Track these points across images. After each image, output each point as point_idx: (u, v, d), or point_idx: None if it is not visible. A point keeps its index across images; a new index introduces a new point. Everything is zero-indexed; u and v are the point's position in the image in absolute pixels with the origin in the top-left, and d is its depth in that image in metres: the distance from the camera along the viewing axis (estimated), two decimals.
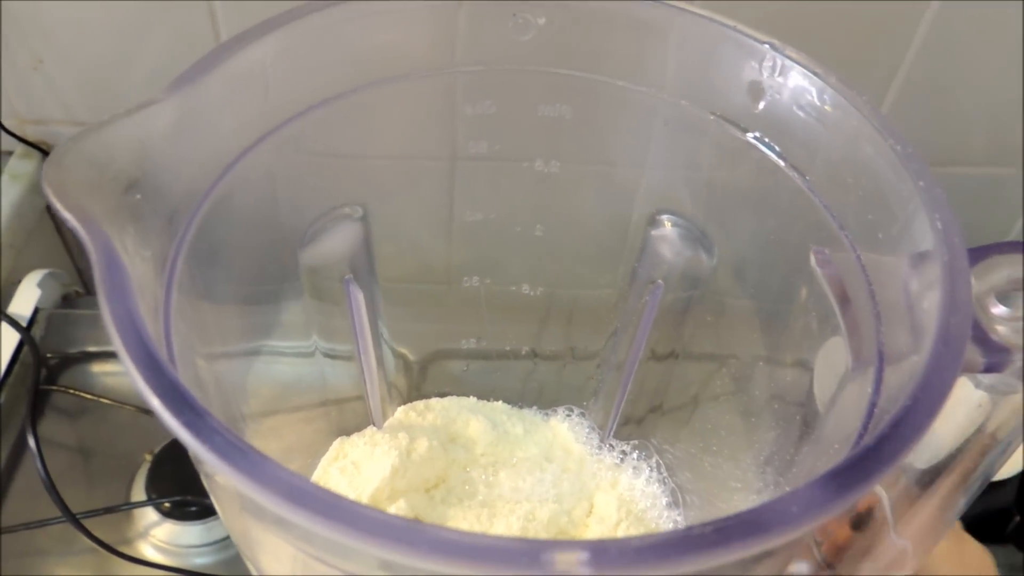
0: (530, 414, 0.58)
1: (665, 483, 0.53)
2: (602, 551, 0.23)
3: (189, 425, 0.23)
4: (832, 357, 0.37)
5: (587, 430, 0.56)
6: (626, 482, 0.53)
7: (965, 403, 0.36)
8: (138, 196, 0.30)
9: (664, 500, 0.53)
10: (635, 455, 0.55)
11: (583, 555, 0.23)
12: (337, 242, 0.44)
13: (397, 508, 0.48)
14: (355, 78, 0.40)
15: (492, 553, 0.22)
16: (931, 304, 0.29)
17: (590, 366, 0.56)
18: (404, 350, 0.56)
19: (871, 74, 0.66)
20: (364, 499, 0.47)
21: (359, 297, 0.47)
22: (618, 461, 0.55)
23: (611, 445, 0.55)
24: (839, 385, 0.35)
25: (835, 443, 0.34)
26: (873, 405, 0.30)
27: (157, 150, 0.31)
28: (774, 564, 0.32)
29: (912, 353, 0.29)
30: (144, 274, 0.29)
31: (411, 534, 0.22)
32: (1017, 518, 0.62)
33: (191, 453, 0.24)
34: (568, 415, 0.57)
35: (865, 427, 0.30)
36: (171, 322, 0.29)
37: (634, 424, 0.55)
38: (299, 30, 0.36)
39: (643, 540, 0.22)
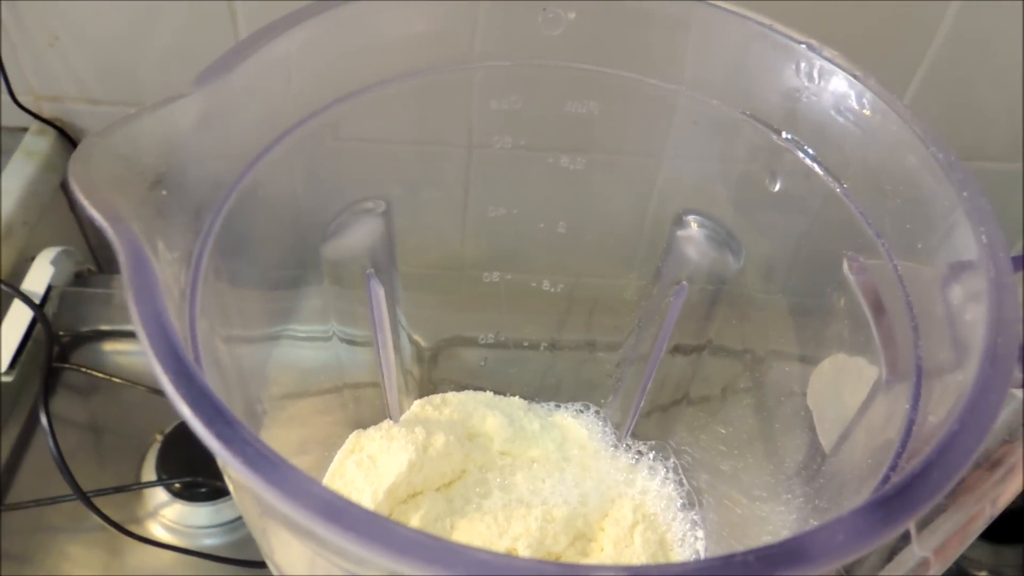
0: (547, 410, 0.57)
1: (681, 484, 0.53)
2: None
3: (220, 436, 0.22)
4: (835, 376, 0.37)
5: (603, 428, 0.56)
6: (641, 483, 0.52)
7: None
8: (164, 192, 0.29)
9: (679, 502, 0.52)
10: (651, 455, 0.54)
11: None
12: (359, 236, 0.44)
13: (419, 517, 0.47)
14: (380, 72, 0.39)
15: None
16: (974, 317, 0.28)
17: (609, 363, 0.55)
18: (420, 338, 0.56)
19: (893, 66, 0.65)
20: (380, 494, 0.47)
21: (379, 292, 0.46)
22: (634, 461, 0.54)
23: (627, 445, 0.55)
24: (868, 396, 0.35)
25: (867, 456, 0.33)
26: (912, 422, 0.29)
27: (183, 145, 0.30)
28: None
29: (954, 369, 0.28)
30: (170, 269, 0.29)
31: (447, 555, 0.21)
32: None
33: (219, 461, 0.24)
34: (583, 411, 0.57)
35: (904, 444, 0.29)
36: (196, 317, 0.29)
37: (652, 424, 0.54)
38: (324, 24, 0.36)
39: (686, 567, 0.22)
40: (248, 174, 0.34)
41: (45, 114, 0.71)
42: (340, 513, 0.22)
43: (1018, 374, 0.32)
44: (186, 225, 0.31)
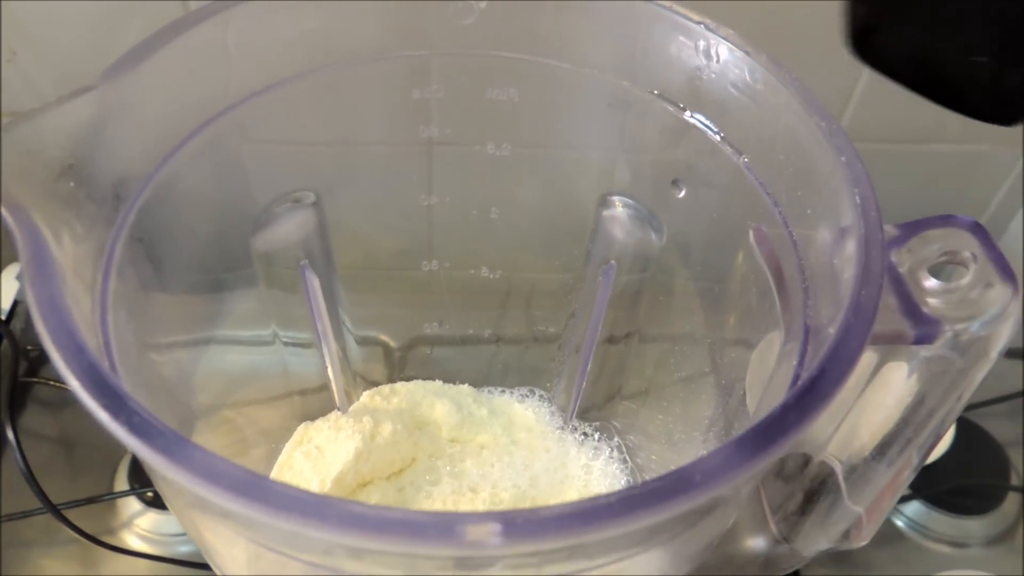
0: (494, 396, 0.58)
1: (625, 462, 0.54)
2: (512, 521, 0.23)
3: (106, 407, 0.24)
4: (766, 353, 0.38)
5: (549, 411, 0.57)
6: (586, 462, 0.54)
7: (900, 383, 0.36)
8: (71, 183, 0.30)
9: (624, 480, 0.53)
10: (596, 436, 0.55)
11: (495, 526, 0.23)
12: (290, 228, 0.45)
13: (365, 497, 0.48)
14: (298, 65, 0.40)
15: (405, 527, 0.23)
16: (850, 276, 0.29)
17: (552, 348, 0.56)
18: (369, 334, 0.57)
19: (844, 52, 0.66)
20: (328, 483, 0.48)
21: (315, 283, 0.47)
22: (579, 442, 0.55)
23: (573, 426, 0.56)
24: (776, 363, 0.36)
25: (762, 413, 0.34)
26: (797, 376, 0.31)
27: (90, 137, 0.31)
28: (706, 527, 0.33)
29: (832, 323, 0.30)
30: (80, 261, 0.30)
31: (322, 508, 0.23)
32: None
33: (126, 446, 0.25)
34: (528, 396, 0.57)
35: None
36: (108, 310, 0.30)
37: (596, 407, 0.55)
38: (239, 17, 0.37)
39: (552, 510, 0.23)
40: (164, 167, 0.35)
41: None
42: (220, 476, 0.23)
43: (908, 330, 0.33)
44: (96, 216, 0.32)
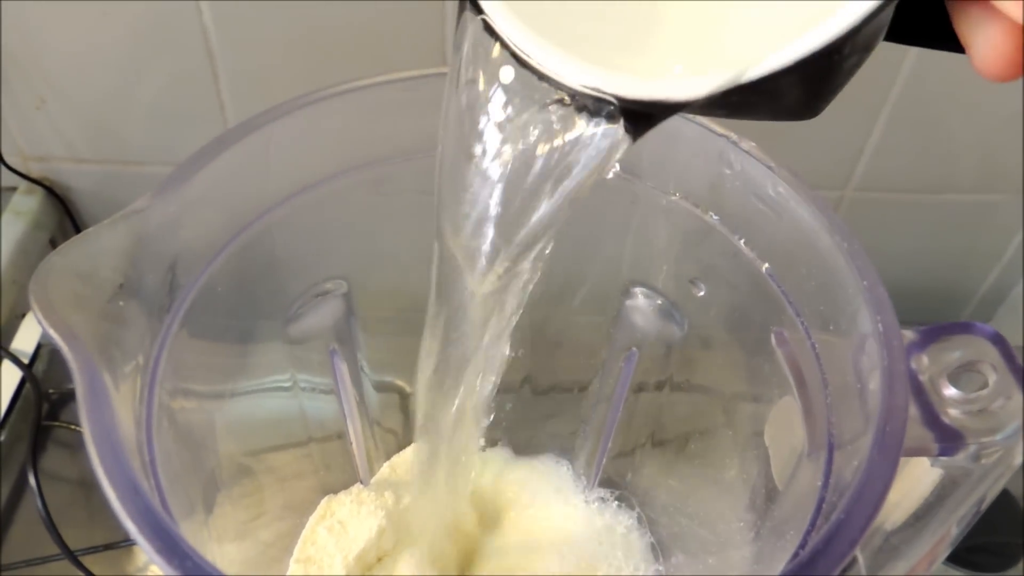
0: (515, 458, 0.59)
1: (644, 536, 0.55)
2: None
3: (163, 553, 0.25)
4: (782, 432, 0.39)
5: (572, 478, 0.57)
6: (606, 531, 0.54)
7: (923, 478, 0.37)
8: (121, 303, 0.31)
9: (644, 551, 0.54)
10: (615, 505, 0.56)
11: None
12: (321, 317, 0.46)
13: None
14: (333, 166, 0.41)
15: None
16: (874, 388, 0.30)
17: (574, 423, 0.57)
18: (386, 379, 0.58)
19: (860, 103, 0.67)
20: (351, 559, 0.49)
21: (343, 368, 0.48)
22: (599, 510, 0.56)
23: (598, 497, 0.56)
24: (797, 464, 0.37)
25: (791, 528, 0.35)
26: (822, 499, 0.31)
27: (141, 256, 0.33)
28: None
29: (861, 436, 0.30)
30: (127, 378, 0.31)
31: None
32: None
33: None
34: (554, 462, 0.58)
35: (813, 523, 0.31)
36: (153, 425, 0.31)
37: (616, 479, 0.56)
38: (283, 127, 0.38)
39: None
40: (204, 273, 0.36)
41: (33, 174, 0.73)
42: None
43: (931, 443, 0.34)
44: (144, 329, 0.33)
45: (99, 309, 0.31)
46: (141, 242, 0.33)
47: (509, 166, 0.28)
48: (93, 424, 0.26)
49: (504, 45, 0.26)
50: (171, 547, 0.25)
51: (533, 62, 0.25)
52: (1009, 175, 0.72)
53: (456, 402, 0.39)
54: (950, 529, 0.40)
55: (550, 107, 0.26)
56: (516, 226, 0.30)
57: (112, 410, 0.27)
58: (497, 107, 0.27)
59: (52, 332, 0.28)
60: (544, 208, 0.29)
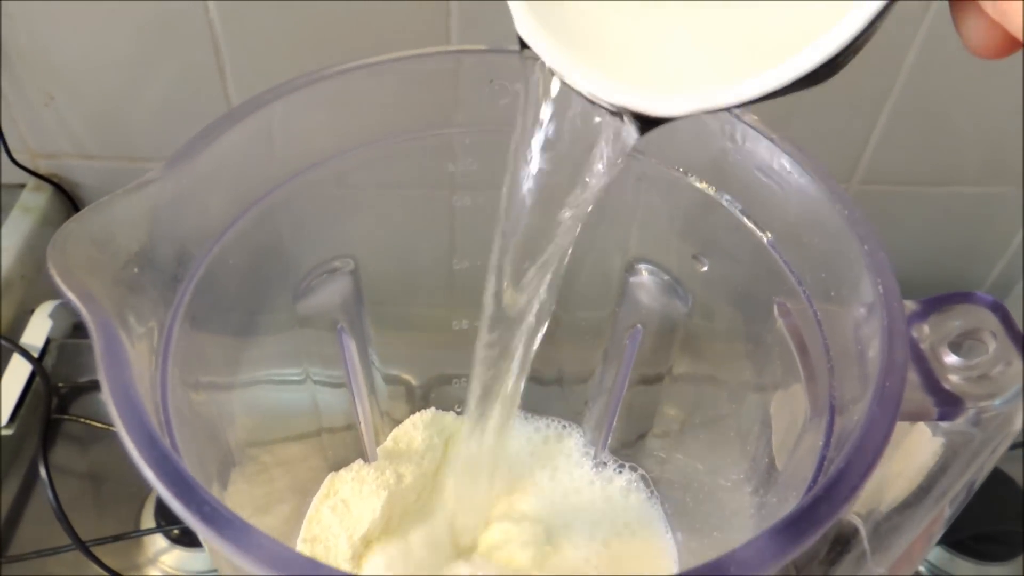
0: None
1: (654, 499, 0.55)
2: None
3: (180, 496, 0.25)
4: (786, 407, 0.39)
5: (582, 447, 0.58)
6: (618, 500, 0.55)
7: (924, 447, 0.38)
8: (136, 269, 0.32)
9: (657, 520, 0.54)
10: (625, 473, 0.56)
11: None
12: (329, 294, 0.46)
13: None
14: (338, 144, 0.42)
15: None
16: (874, 355, 0.31)
17: (579, 403, 0.58)
18: (410, 376, 0.59)
19: (864, 96, 0.67)
20: (356, 539, 0.49)
21: (351, 344, 0.49)
22: (608, 480, 0.56)
23: (604, 463, 0.57)
24: (800, 433, 0.37)
25: (792, 491, 0.36)
26: (823, 458, 0.32)
27: (154, 225, 0.33)
28: None
29: (859, 401, 0.31)
30: (142, 341, 0.32)
31: None
32: None
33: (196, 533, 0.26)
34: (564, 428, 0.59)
35: (815, 479, 0.31)
36: (168, 381, 0.32)
37: (626, 449, 0.57)
38: (286, 105, 0.39)
39: None
40: (215, 247, 0.37)
41: (42, 171, 0.74)
42: (285, 562, 0.25)
43: (931, 407, 0.34)
44: (157, 297, 0.34)
45: (114, 274, 0.31)
46: (154, 212, 0.33)
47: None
48: (111, 377, 0.27)
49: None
50: (189, 493, 0.25)
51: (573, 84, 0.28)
52: (1013, 167, 0.72)
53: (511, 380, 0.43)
54: (944, 509, 0.41)
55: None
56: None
57: (129, 365, 0.28)
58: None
59: (69, 293, 0.29)
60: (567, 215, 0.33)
